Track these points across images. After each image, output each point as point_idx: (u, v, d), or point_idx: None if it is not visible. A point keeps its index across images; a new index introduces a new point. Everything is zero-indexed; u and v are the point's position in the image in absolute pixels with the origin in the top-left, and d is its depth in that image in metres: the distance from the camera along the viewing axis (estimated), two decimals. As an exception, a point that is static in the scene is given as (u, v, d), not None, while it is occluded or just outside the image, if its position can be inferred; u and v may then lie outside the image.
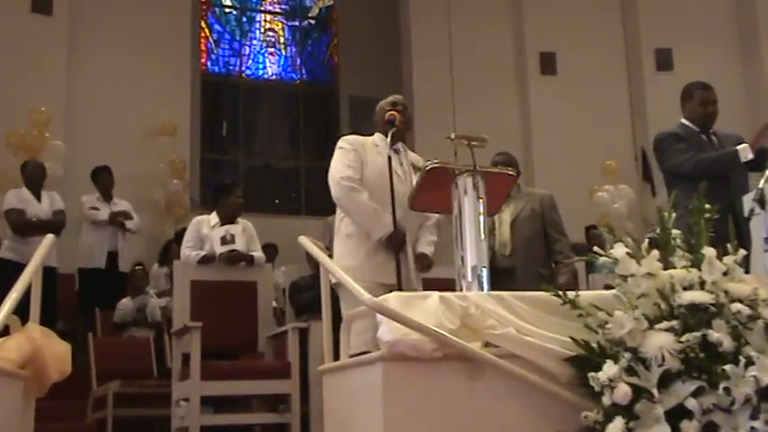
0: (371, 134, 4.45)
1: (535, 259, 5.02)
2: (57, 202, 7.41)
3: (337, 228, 4.27)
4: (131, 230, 8.17)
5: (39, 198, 7.33)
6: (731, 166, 4.61)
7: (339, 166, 4.22)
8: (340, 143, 4.34)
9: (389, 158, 3.95)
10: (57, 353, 3.04)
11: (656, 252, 2.76)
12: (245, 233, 5.82)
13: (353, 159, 4.23)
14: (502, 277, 4.31)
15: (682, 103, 4.88)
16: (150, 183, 9.83)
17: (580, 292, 2.89)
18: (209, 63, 11.99)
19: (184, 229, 6.47)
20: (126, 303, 7.63)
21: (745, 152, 4.58)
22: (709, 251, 2.76)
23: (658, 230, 2.90)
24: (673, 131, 4.87)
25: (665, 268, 2.77)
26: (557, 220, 5.18)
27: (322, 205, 11.70)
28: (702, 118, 4.78)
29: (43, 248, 3.41)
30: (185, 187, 10.24)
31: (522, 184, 5.18)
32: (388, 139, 4.02)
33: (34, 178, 7.40)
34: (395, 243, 4.01)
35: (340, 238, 4.23)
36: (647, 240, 2.80)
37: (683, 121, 4.86)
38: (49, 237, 3.56)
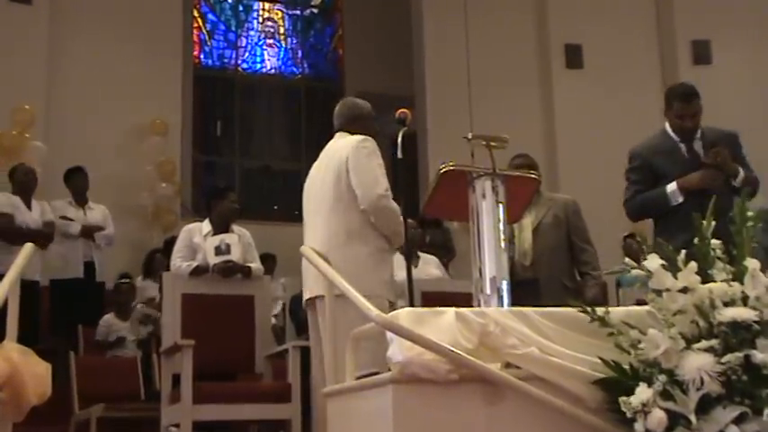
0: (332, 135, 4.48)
1: (559, 270, 5.03)
2: (47, 213, 7.57)
3: (354, 232, 4.18)
4: (100, 246, 8.14)
5: (29, 206, 7.44)
6: (665, 209, 4.61)
7: (380, 177, 4.19)
8: (367, 143, 4.27)
9: (400, 161, 3.96)
10: (36, 373, 3.05)
11: (693, 264, 2.75)
12: (241, 242, 5.83)
13: (383, 166, 4.23)
14: (522, 290, 4.32)
15: (665, 106, 4.85)
16: (137, 186, 9.86)
17: (610, 309, 2.89)
18: (202, 56, 12.04)
19: (174, 238, 6.47)
20: (109, 320, 7.64)
21: (675, 195, 4.58)
22: (752, 263, 2.76)
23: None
24: (637, 151, 4.84)
25: (704, 282, 2.76)
26: (582, 227, 5.19)
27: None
28: (679, 131, 4.73)
29: (21, 259, 3.42)
30: (175, 192, 10.26)
31: (544, 188, 5.19)
32: (399, 140, 4.03)
33: (24, 185, 7.50)
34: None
35: (366, 251, 4.17)
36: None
37: (666, 127, 4.81)
38: (28, 246, 3.58)
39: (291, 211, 11.81)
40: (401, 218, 4.23)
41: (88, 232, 8.01)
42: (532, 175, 3.99)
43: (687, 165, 4.69)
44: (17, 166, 7.80)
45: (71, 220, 8.02)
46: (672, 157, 4.70)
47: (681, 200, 4.56)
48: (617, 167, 10.44)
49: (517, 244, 5.02)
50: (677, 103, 4.69)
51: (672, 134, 4.76)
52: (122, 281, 8.08)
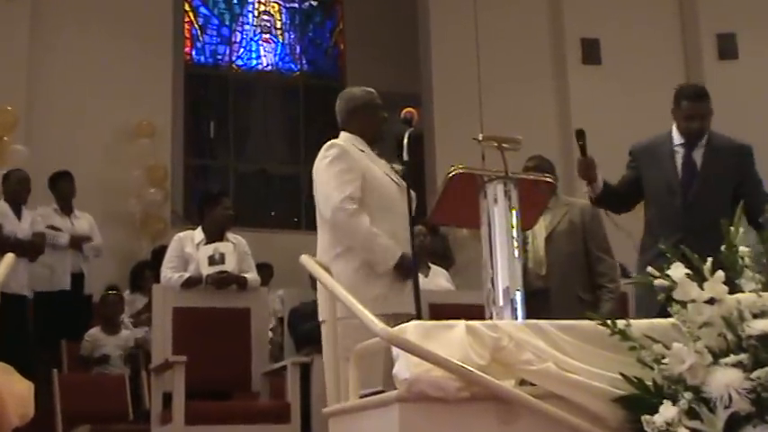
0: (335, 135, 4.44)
1: (574, 281, 5.01)
2: (38, 224, 7.61)
3: (338, 247, 4.16)
4: (88, 257, 8.14)
5: (19, 215, 7.47)
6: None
7: (342, 185, 4.12)
8: (330, 151, 4.23)
9: (406, 164, 3.95)
10: (17, 393, 3.05)
11: (721, 273, 2.75)
12: (236, 251, 5.84)
13: (352, 171, 4.18)
14: (534, 301, 4.32)
15: (673, 105, 4.85)
16: (124, 192, 9.86)
17: (632, 321, 2.88)
18: (193, 52, 12.05)
19: (164, 247, 6.49)
20: (95, 335, 7.64)
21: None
22: (784, 272, 2.76)
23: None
24: (634, 149, 5.00)
25: (732, 292, 2.76)
26: (600, 235, 5.18)
27: (326, 218, 11.82)
28: (686, 133, 4.76)
29: (2, 268, 3.43)
30: (165, 198, 10.27)
31: (560, 192, 5.19)
32: (405, 141, 4.02)
33: (17, 193, 7.55)
34: (405, 270, 4.07)
35: (352, 267, 4.11)
36: None
37: (672, 129, 4.85)
38: (9, 256, 3.58)
39: (290, 218, 11.83)
40: (366, 232, 4.09)
41: (77, 243, 8.02)
42: (548, 179, 3.99)
43: (673, 175, 4.72)
44: (11, 171, 7.84)
45: (59, 229, 8.02)
46: (662, 164, 4.77)
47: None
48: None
49: (531, 252, 5.01)
50: (686, 102, 4.72)
51: (675, 137, 4.78)
52: (109, 292, 8.07)
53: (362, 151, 4.30)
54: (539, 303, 4.52)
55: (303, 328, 6.45)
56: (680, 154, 4.74)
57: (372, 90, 4.52)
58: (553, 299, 4.90)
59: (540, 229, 5.04)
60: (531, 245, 5.03)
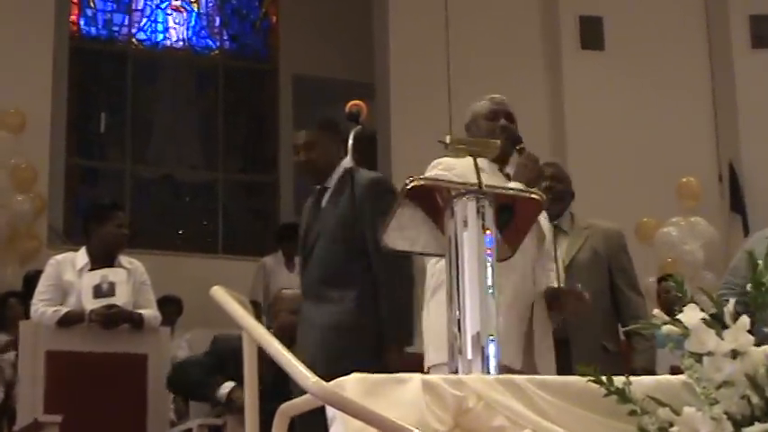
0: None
1: (598, 326, 5.01)
2: None
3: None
4: None
5: None
6: None
7: None
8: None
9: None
10: None
11: (746, 320, 2.78)
12: (130, 280, 5.81)
13: None
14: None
15: None
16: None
17: (633, 379, 2.91)
18: (82, 22, 12.00)
19: (38, 273, 6.43)
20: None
21: None
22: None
23: None
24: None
25: (760, 344, 2.79)
26: (628, 268, 5.21)
27: (250, 240, 11.76)
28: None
29: None
30: (39, 209, 10.17)
31: (576, 212, 5.23)
32: (350, 143, 4.03)
33: None
34: None
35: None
36: None
37: None
38: None
39: (203, 238, 11.77)
40: None
41: None
42: (534, 195, 4.00)
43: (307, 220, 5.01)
44: None
45: None
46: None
47: None
48: (649, 183, 10.57)
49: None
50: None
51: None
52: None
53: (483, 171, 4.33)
54: (556, 356, 4.50)
55: (189, 374, 6.40)
56: (312, 199, 5.02)
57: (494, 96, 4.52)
58: (574, 350, 4.86)
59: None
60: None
